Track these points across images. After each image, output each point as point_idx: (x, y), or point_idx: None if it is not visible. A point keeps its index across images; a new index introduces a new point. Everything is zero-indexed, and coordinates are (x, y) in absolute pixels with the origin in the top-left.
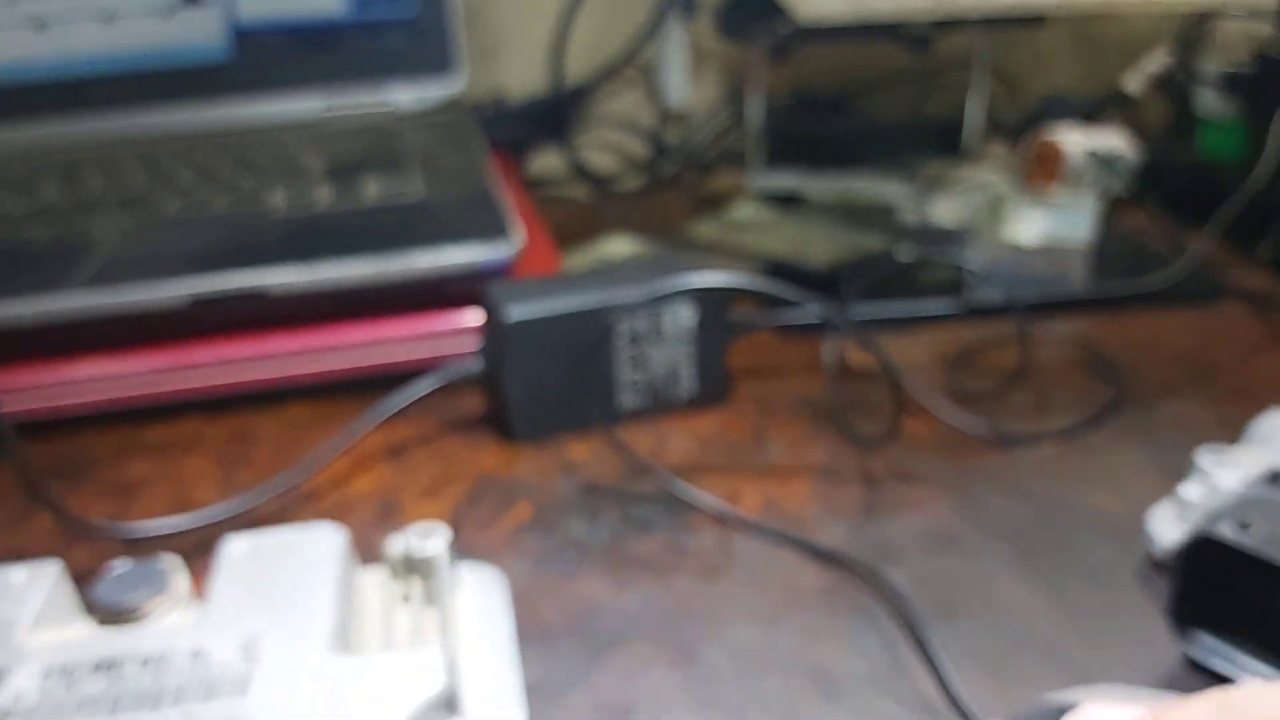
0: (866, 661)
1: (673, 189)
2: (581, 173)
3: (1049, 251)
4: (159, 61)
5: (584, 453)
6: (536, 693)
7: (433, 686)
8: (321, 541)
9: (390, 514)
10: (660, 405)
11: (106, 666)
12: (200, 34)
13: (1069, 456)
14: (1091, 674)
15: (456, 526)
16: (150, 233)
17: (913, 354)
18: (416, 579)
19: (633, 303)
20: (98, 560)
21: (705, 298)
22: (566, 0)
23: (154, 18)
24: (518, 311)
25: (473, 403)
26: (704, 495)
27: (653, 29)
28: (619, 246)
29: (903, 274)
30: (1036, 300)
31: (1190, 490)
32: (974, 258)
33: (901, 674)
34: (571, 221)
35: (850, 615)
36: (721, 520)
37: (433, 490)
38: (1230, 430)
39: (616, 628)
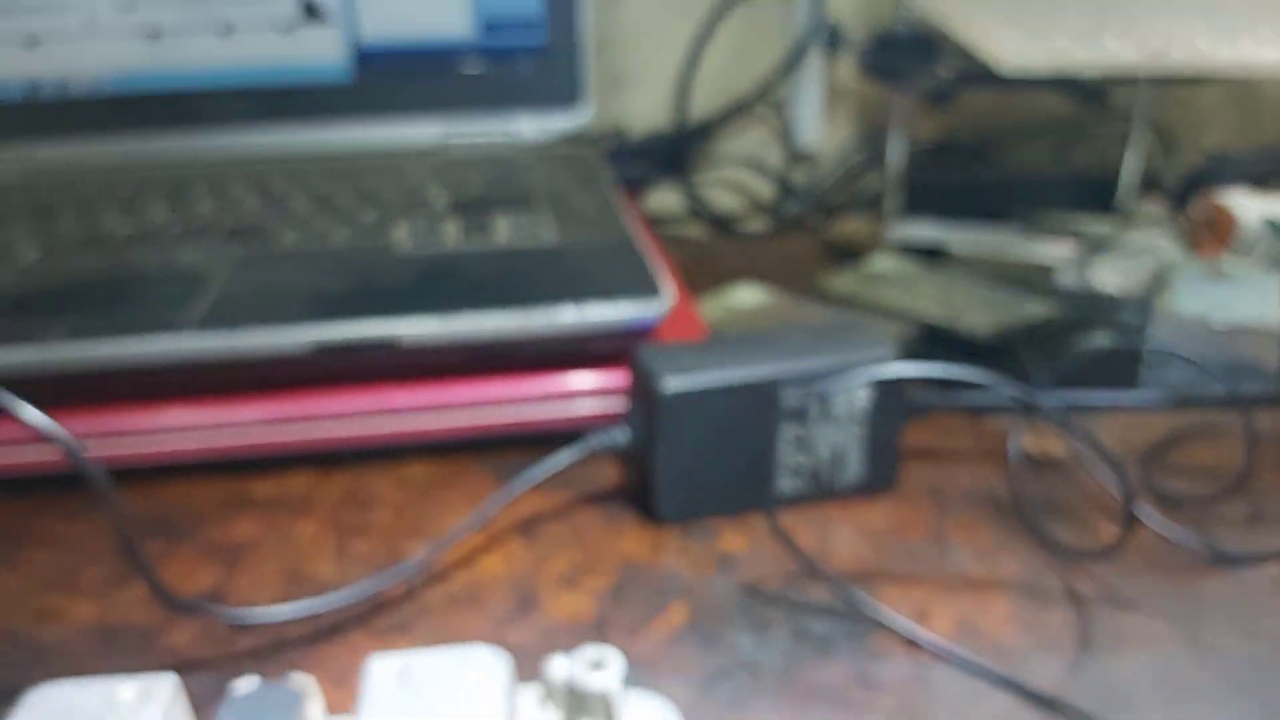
0: None
1: (798, 233)
2: (702, 212)
3: (1239, 332)
4: (276, 79)
5: (739, 543)
6: None
7: None
8: (483, 668)
9: (529, 608)
10: (822, 491)
11: None
12: (321, 52)
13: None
14: None
15: (602, 628)
16: (266, 266)
17: (1107, 445)
18: (586, 717)
19: (806, 378)
20: (201, 642)
21: (884, 379)
22: (698, 31)
23: (273, 33)
24: (674, 383)
25: (611, 474)
26: (888, 612)
27: (790, 64)
28: (749, 296)
29: (1084, 350)
30: (1253, 392)
31: None
32: (1158, 335)
33: None
34: (691, 264)
35: None
36: (912, 644)
37: (572, 580)
38: None
39: None
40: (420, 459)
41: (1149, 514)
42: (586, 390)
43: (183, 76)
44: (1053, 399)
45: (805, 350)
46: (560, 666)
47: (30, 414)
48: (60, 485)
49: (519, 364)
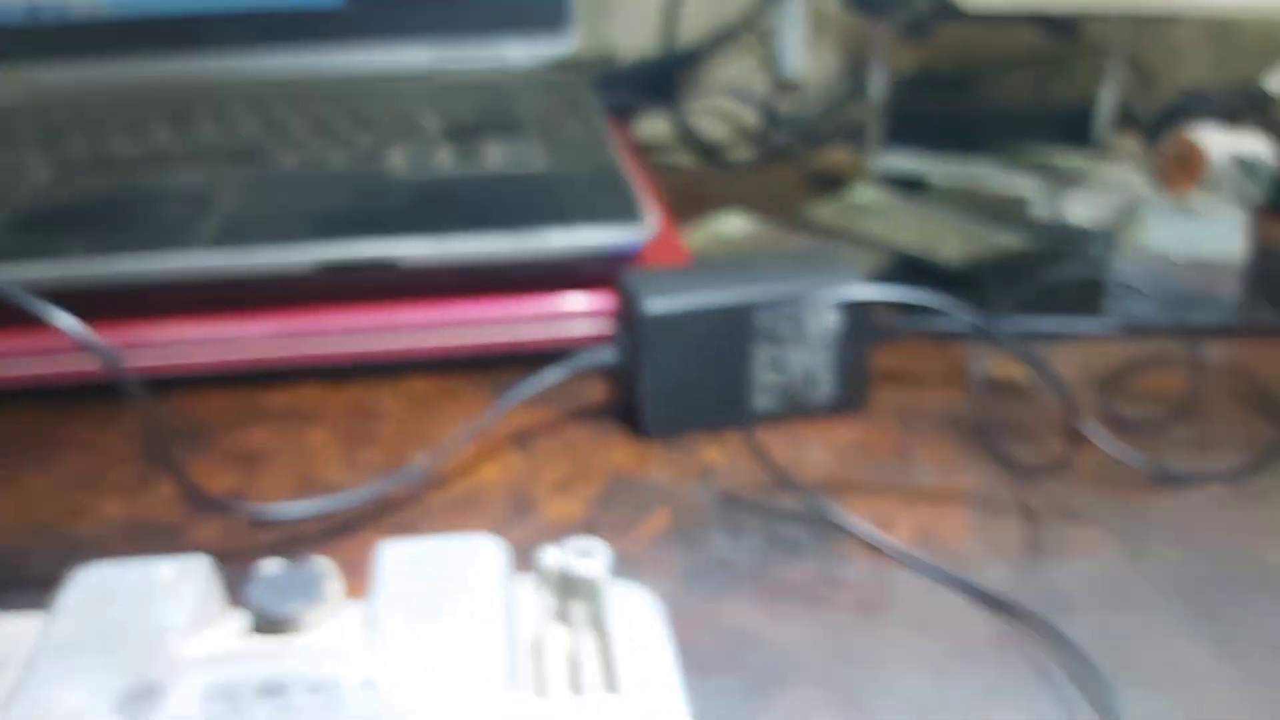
0: None
1: (784, 163)
2: (691, 140)
3: (1200, 266)
4: (272, 3)
5: (719, 456)
6: None
7: None
8: (485, 556)
9: (525, 510)
10: (794, 409)
11: (273, 691)
12: None
13: (1238, 502)
14: None
15: (592, 529)
16: (269, 188)
17: (1062, 372)
18: (576, 601)
19: (779, 303)
20: (224, 538)
21: (853, 303)
22: None
23: None
24: (657, 305)
25: (599, 392)
26: (854, 519)
27: None
28: (734, 225)
29: (1046, 280)
30: (1204, 323)
31: None
32: (1122, 267)
33: None
34: (680, 192)
35: (1027, 674)
36: (874, 550)
37: (565, 486)
38: None
39: (776, 665)
40: (420, 375)
41: (1097, 433)
42: (575, 312)
43: (182, 1)
44: (1010, 325)
45: (779, 275)
46: (552, 555)
47: (68, 323)
48: (87, 394)
49: (512, 286)
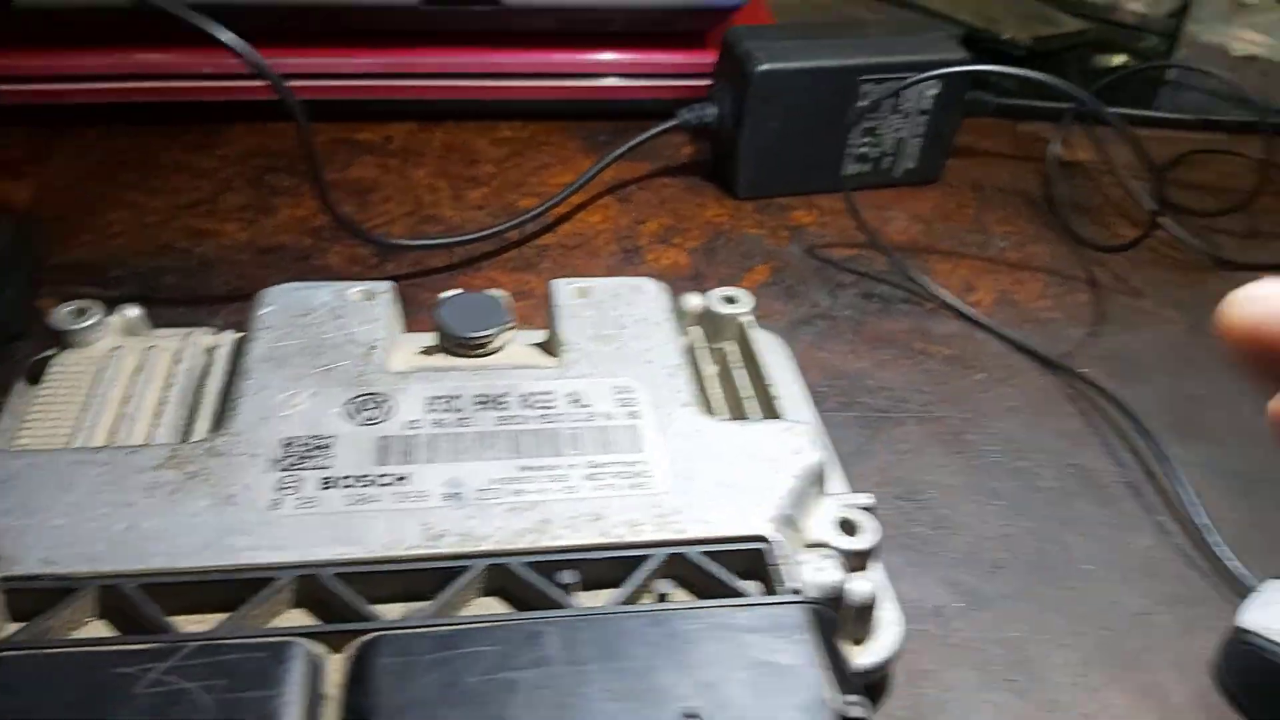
0: (1126, 471)
1: None
2: None
3: (1257, 63)
4: None
5: (810, 219)
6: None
7: (807, 458)
8: (651, 295)
9: (632, 257)
10: (878, 177)
11: (489, 402)
12: None
13: None
14: None
15: (699, 279)
16: None
17: (1127, 157)
18: (722, 340)
19: (888, 66)
20: (350, 265)
21: (953, 76)
22: None
23: None
24: (766, 62)
25: (690, 150)
26: (940, 286)
27: None
28: None
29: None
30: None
31: None
32: (1180, 58)
33: (1159, 489)
34: None
35: (1104, 425)
36: (960, 315)
37: (666, 238)
38: None
39: (884, 405)
40: (511, 123)
41: (1169, 222)
42: (671, 67)
43: None
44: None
45: (884, 44)
46: (696, 300)
47: (229, 37)
48: (187, 118)
49: (611, 39)
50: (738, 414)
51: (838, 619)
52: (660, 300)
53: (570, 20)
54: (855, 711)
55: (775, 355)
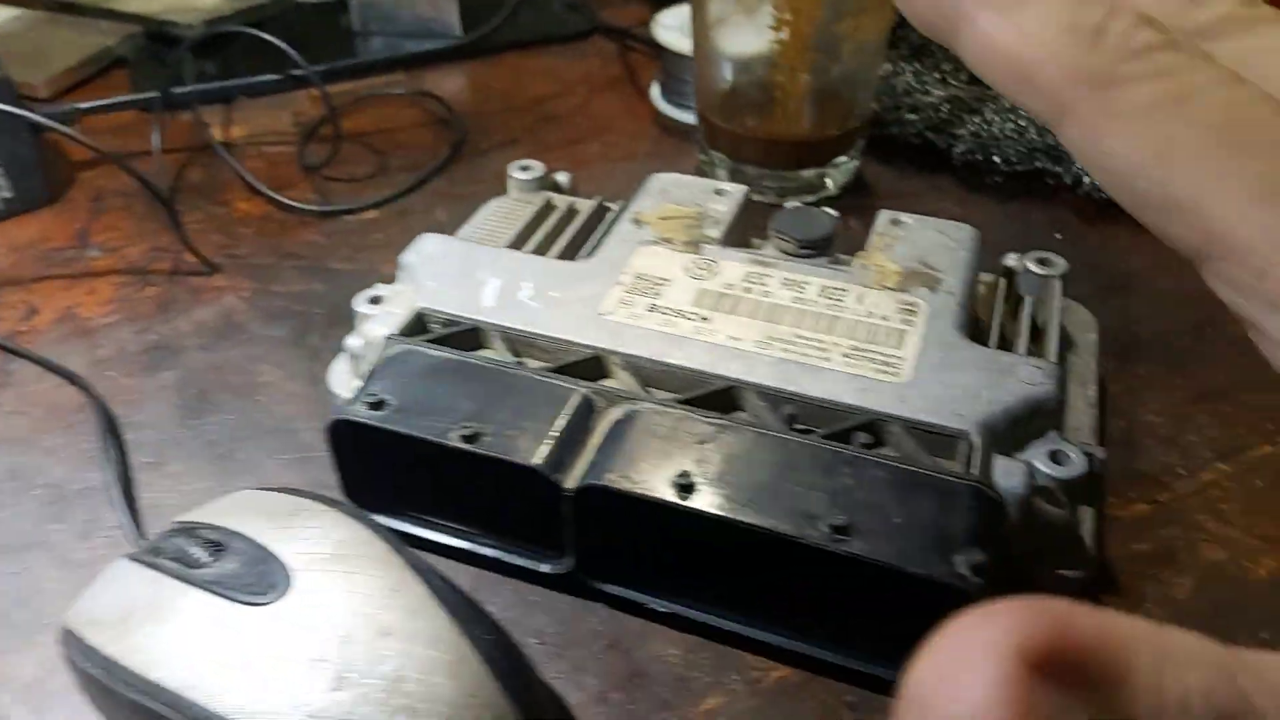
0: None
1: None
2: None
3: None
4: None
5: None
6: None
7: (1036, 390)
8: (962, 236)
9: None
10: None
11: (792, 285)
12: None
13: (384, 223)
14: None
15: None
16: None
17: (262, 122)
18: (1026, 299)
19: None
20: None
21: None
22: None
23: None
24: None
25: None
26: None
27: None
28: None
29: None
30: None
31: (352, 341)
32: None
33: None
34: None
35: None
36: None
37: None
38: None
39: None
40: None
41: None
42: None
43: None
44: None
45: None
46: (1013, 260)
47: None
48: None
49: None
50: (1004, 349)
51: (1006, 512)
52: (970, 242)
53: None
54: (967, 564)
55: (1074, 317)
